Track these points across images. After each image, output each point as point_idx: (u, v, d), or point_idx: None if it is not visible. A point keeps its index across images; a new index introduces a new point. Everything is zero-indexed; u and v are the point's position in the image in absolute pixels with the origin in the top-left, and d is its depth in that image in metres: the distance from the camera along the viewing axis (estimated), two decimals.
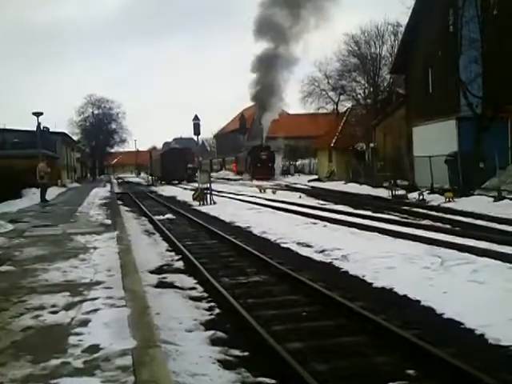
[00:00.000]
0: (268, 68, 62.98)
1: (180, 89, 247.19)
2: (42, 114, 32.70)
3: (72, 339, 5.28)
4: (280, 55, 61.87)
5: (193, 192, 30.63)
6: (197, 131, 30.51)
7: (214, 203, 27.19)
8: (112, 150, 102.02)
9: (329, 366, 5.86)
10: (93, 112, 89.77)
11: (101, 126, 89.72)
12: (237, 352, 6.33)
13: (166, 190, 44.97)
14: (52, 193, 33.57)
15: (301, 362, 5.68)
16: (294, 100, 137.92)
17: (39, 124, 33.91)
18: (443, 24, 27.68)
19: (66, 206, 24.50)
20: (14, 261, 9.95)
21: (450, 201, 22.58)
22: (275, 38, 61.76)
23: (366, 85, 54.19)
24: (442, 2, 27.96)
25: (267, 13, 60.47)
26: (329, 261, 11.35)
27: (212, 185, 29.52)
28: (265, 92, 64.29)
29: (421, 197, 25.38)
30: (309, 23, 58.68)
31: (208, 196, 27.70)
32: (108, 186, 52.13)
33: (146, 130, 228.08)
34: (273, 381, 5.53)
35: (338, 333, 6.92)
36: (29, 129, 40.67)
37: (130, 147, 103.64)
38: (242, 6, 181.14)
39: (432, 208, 21.59)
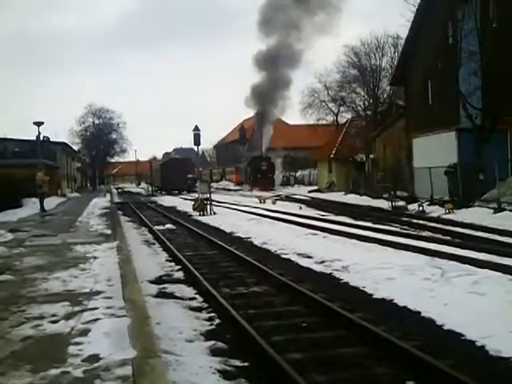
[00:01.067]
0: (273, 64, 62.58)
1: (180, 99, 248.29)
2: (42, 123, 32.83)
3: (72, 349, 5.27)
4: (286, 50, 61.69)
5: (193, 202, 30.65)
6: (197, 142, 30.55)
7: (214, 213, 27.20)
8: (112, 160, 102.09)
9: (328, 377, 5.84)
10: (93, 122, 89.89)
11: (101, 136, 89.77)
12: (237, 362, 6.32)
13: (166, 200, 45.00)
14: (52, 202, 33.61)
15: (300, 372, 5.66)
16: (294, 111, 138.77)
17: (39, 133, 34.02)
18: (442, 36, 27.79)
19: (66, 216, 24.51)
20: (14, 270, 9.95)
21: (449, 212, 22.58)
22: (283, 31, 61.59)
23: (366, 96, 54.41)
24: (441, 15, 28.08)
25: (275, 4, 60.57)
26: (329, 272, 11.34)
27: (212, 195, 29.55)
28: (269, 87, 63.82)
29: (421, 208, 25.39)
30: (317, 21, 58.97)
31: (208, 206, 27.71)
32: (108, 196, 52.15)
33: (146, 140, 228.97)
34: None
35: (337, 344, 6.90)
36: (29, 138, 40.80)
37: (130, 157, 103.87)
38: (243, 14, 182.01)
39: (432, 219, 21.59)
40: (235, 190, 64.16)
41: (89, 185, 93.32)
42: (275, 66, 62.55)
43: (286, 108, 69.52)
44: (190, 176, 61.93)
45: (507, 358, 6.07)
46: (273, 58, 62.07)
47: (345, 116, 60.35)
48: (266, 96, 64.78)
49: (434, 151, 28.67)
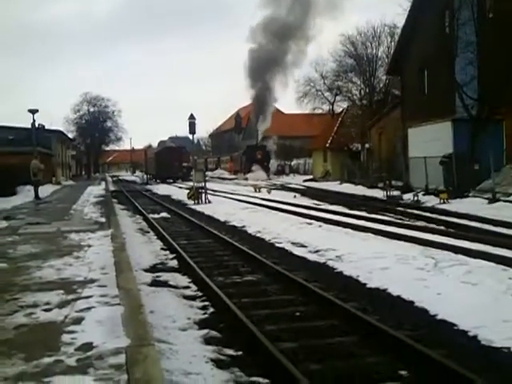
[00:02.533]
0: (275, 37, 61.66)
1: (176, 88, 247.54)
2: (37, 111, 32.58)
3: (65, 337, 5.26)
4: (290, 25, 60.68)
5: (188, 191, 30.63)
6: (192, 130, 30.49)
7: (209, 202, 27.18)
8: (107, 148, 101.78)
9: (322, 367, 5.86)
10: (88, 110, 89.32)
11: (96, 124, 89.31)
12: (230, 351, 6.33)
13: (161, 189, 44.93)
14: (46, 190, 33.50)
15: (294, 361, 5.68)
16: (289, 100, 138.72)
17: (34, 121, 33.80)
18: (439, 26, 27.75)
19: (61, 204, 24.45)
20: (8, 258, 9.92)
21: (444, 202, 22.62)
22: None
23: (362, 86, 54.23)
24: (438, 5, 28.01)
25: None
26: (323, 261, 11.35)
27: (207, 184, 29.52)
28: (269, 61, 62.80)
29: (415, 198, 25.43)
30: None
31: (203, 195, 27.70)
32: (103, 184, 51.98)
33: (141, 129, 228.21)
34: (266, 380, 5.54)
35: (331, 333, 6.92)
36: (24, 126, 40.56)
37: (125, 145, 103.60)
38: (241, 4, 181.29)
39: (426, 209, 21.63)
40: (230, 179, 64.11)
41: (84, 173, 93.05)
42: (277, 38, 61.50)
43: (288, 82, 68.02)
44: (185, 164, 61.79)
45: (499, 348, 6.10)
46: (276, 29, 61.02)
47: (340, 105, 60.29)
48: (264, 70, 63.84)
49: (430, 141, 28.67)
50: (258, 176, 58.06)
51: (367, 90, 53.32)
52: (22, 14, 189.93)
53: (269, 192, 35.53)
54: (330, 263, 11.06)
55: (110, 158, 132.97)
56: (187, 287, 9.61)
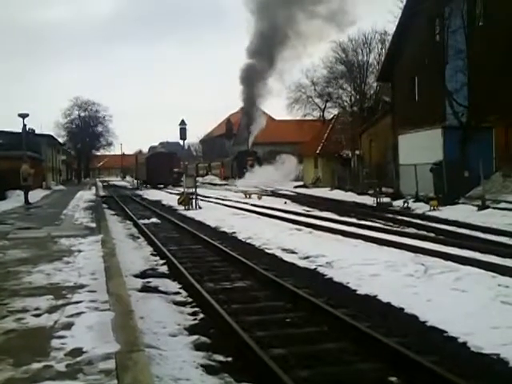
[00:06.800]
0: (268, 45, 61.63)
1: (167, 93, 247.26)
2: (27, 115, 32.49)
3: (55, 342, 5.25)
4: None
5: (178, 196, 30.59)
6: (183, 136, 30.49)
7: (200, 208, 27.17)
8: (98, 153, 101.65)
9: (312, 373, 5.86)
10: (79, 114, 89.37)
11: (87, 129, 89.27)
12: (220, 357, 6.32)
13: (152, 194, 44.87)
14: (37, 195, 33.41)
15: (284, 367, 5.68)
16: (280, 106, 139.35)
17: (25, 126, 33.69)
18: (430, 33, 27.91)
19: (51, 209, 24.38)
20: None
21: (434, 209, 22.69)
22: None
23: (353, 92, 54.55)
24: (428, 12, 28.12)
25: None
26: (313, 267, 11.36)
27: (198, 189, 29.50)
28: (260, 69, 62.81)
29: (406, 205, 25.49)
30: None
31: (193, 201, 27.68)
32: (93, 189, 51.87)
33: (132, 134, 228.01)
34: None
35: (321, 339, 6.92)
36: (14, 130, 40.44)
37: (115, 150, 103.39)
38: (232, 11, 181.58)
39: (417, 216, 21.69)
40: (221, 185, 64.06)
41: (74, 178, 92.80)
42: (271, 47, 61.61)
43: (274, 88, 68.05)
44: (175, 170, 61.73)
45: (488, 355, 6.12)
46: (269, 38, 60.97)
47: (331, 112, 60.61)
48: (255, 78, 63.97)
49: (420, 148, 28.79)
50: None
51: (358, 97, 53.61)
52: (9, 16, 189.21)
53: (259, 198, 35.55)
54: (320, 269, 11.08)
55: (101, 163, 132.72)
56: (177, 293, 9.59)
